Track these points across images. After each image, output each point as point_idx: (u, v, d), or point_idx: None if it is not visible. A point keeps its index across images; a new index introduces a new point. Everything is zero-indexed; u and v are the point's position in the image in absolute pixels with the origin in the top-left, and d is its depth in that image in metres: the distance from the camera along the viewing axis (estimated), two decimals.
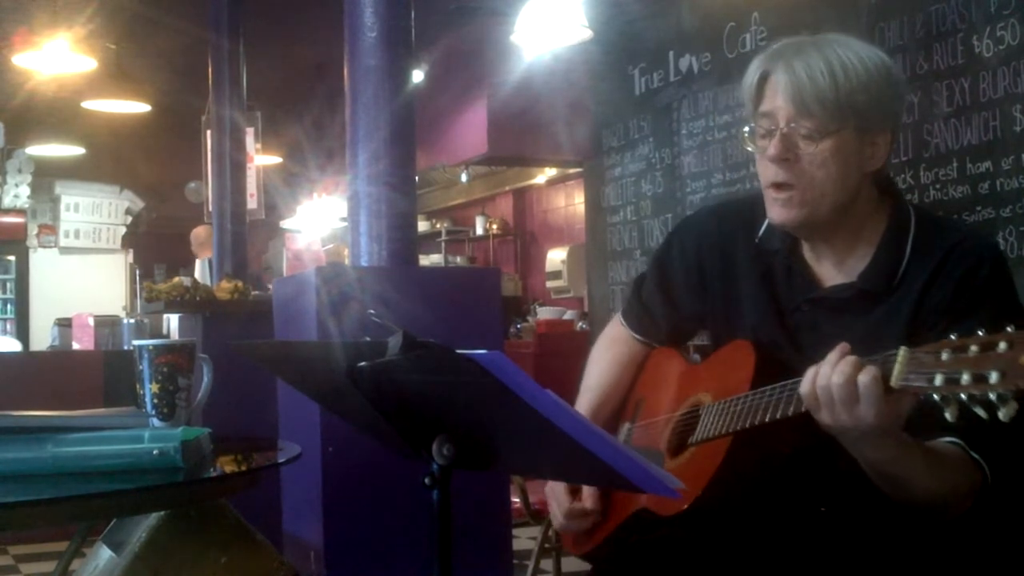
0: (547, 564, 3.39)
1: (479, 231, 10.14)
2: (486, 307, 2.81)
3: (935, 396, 1.18)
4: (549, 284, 8.76)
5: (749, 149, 1.59)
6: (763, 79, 1.54)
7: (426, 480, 1.31)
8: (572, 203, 8.99)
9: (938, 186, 4.19)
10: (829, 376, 1.30)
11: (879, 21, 4.45)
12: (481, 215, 10.15)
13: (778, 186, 1.52)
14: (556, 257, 8.64)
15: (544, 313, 8.10)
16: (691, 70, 5.70)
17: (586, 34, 4.97)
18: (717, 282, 1.72)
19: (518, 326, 8.09)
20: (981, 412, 1.14)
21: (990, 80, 3.95)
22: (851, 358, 1.29)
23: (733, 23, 5.34)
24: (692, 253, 1.76)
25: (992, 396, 1.13)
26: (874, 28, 4.46)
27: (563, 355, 6.93)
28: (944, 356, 1.18)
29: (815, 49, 1.50)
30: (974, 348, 1.15)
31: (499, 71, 6.54)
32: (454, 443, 1.29)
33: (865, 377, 1.27)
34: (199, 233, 7.51)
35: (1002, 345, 1.13)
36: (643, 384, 1.87)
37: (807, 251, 1.61)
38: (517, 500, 3.04)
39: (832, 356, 1.31)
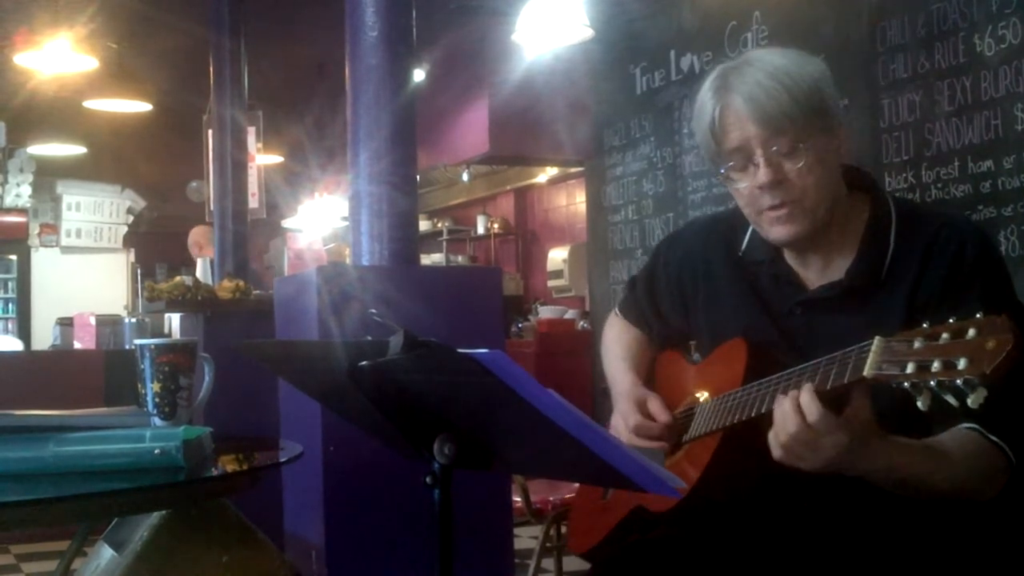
0: (548, 563, 3.39)
1: (480, 230, 10.13)
2: (487, 306, 2.80)
3: (906, 384, 1.18)
4: (550, 283, 8.76)
5: (738, 188, 1.55)
6: (719, 115, 1.52)
7: (427, 479, 1.31)
8: (573, 202, 8.99)
9: (939, 185, 4.18)
10: (787, 430, 1.30)
11: (880, 20, 4.44)
12: (482, 214, 10.15)
13: (773, 207, 1.52)
14: (557, 256, 8.63)
15: (545, 312, 8.10)
16: (692, 69, 5.69)
17: (587, 33, 4.97)
18: (701, 300, 1.73)
19: (519, 325, 8.09)
20: (951, 399, 1.15)
21: (991, 79, 3.95)
22: (787, 409, 1.30)
23: (735, 22, 5.34)
24: (675, 273, 1.78)
25: (959, 382, 1.12)
26: (875, 27, 4.46)
27: (564, 354, 6.94)
28: (916, 344, 1.18)
29: (753, 69, 1.50)
30: (945, 336, 1.16)
31: (500, 70, 6.54)
32: (455, 442, 1.29)
33: (812, 415, 1.28)
34: (201, 235, 7.41)
35: (971, 332, 1.14)
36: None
37: (791, 258, 1.61)
38: (518, 499, 3.04)
39: (777, 416, 1.32)
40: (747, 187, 1.53)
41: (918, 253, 1.50)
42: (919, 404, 1.17)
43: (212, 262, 5.66)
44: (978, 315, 1.15)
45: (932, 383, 1.15)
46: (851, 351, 1.28)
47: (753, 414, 1.42)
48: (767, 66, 1.49)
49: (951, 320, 1.17)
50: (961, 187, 4.10)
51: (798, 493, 1.51)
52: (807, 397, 1.29)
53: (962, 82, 4.08)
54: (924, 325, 1.19)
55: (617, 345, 1.93)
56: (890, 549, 1.48)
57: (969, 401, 1.13)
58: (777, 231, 1.54)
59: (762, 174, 1.49)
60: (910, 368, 1.17)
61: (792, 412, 1.30)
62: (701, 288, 1.72)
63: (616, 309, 1.98)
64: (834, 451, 1.29)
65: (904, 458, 1.35)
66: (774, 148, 1.48)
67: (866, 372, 1.24)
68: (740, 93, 1.49)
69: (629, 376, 1.84)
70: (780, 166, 1.49)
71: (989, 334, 1.12)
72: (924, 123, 4.23)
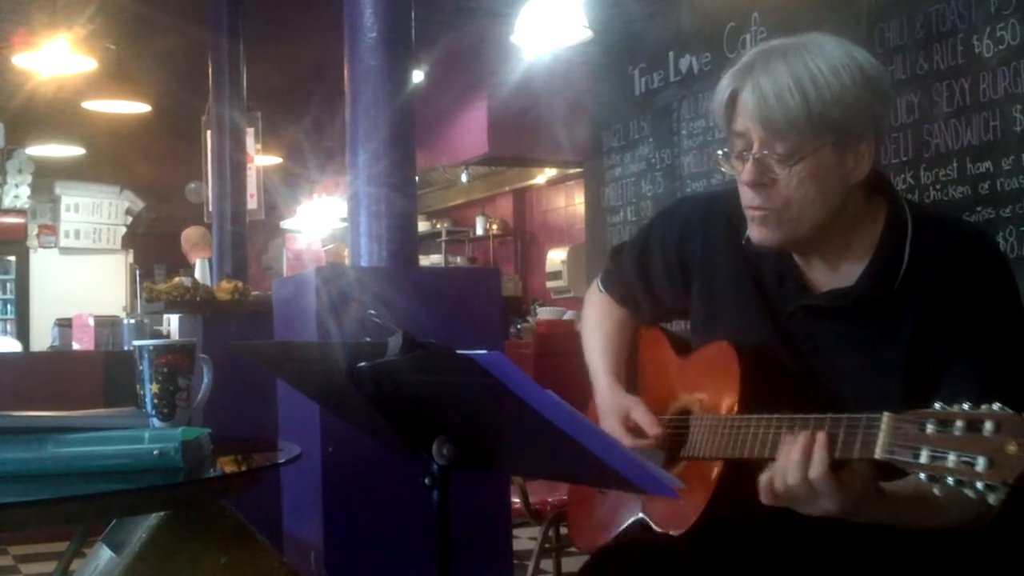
0: (547, 564, 3.38)
1: (479, 231, 10.13)
2: (486, 307, 2.80)
3: (922, 475, 1.15)
4: (549, 284, 8.75)
5: (724, 170, 1.51)
6: (732, 98, 1.45)
7: (426, 480, 1.31)
8: (572, 203, 8.99)
9: (938, 186, 4.19)
10: (786, 481, 1.28)
11: (879, 21, 4.45)
12: (481, 215, 10.15)
13: (752, 207, 1.46)
14: (556, 257, 8.63)
15: (544, 313, 8.09)
16: (691, 70, 5.70)
17: (586, 34, 4.97)
18: (702, 279, 1.66)
19: (518, 326, 8.07)
20: (970, 493, 1.11)
21: (990, 80, 3.95)
22: (794, 460, 1.28)
23: (733, 23, 5.34)
24: (674, 247, 1.70)
25: (980, 485, 1.10)
26: (874, 28, 4.46)
27: (563, 355, 6.92)
28: (929, 429, 1.15)
29: (783, 62, 1.40)
30: (959, 424, 1.12)
31: (499, 71, 6.54)
32: (454, 444, 1.29)
33: (815, 472, 1.26)
34: (191, 235, 7.46)
35: (988, 425, 1.10)
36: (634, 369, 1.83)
37: (798, 257, 1.53)
38: (517, 500, 3.04)
39: (779, 464, 1.30)
40: (738, 177, 1.48)
41: (932, 271, 1.43)
42: (935, 491, 1.15)
43: (210, 263, 5.66)
44: (995, 407, 1.11)
45: (949, 479, 1.12)
46: (859, 420, 1.24)
47: (756, 454, 1.38)
48: (798, 66, 1.39)
49: (965, 406, 1.13)
50: (960, 188, 4.10)
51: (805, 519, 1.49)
52: (819, 455, 1.26)
53: (961, 83, 4.08)
54: (936, 406, 1.16)
55: (597, 332, 1.84)
56: (896, 560, 1.47)
57: (991, 500, 1.10)
58: (753, 232, 1.48)
59: (746, 171, 1.43)
60: (924, 457, 1.14)
61: (798, 464, 1.27)
62: (700, 270, 1.65)
63: (598, 283, 1.88)
64: (825, 511, 1.29)
65: (898, 510, 1.34)
66: (766, 151, 1.41)
67: (877, 454, 1.20)
68: (754, 87, 1.41)
69: (607, 379, 1.77)
70: (770, 168, 1.42)
71: (1009, 434, 1.09)
72: (923, 124, 4.24)
